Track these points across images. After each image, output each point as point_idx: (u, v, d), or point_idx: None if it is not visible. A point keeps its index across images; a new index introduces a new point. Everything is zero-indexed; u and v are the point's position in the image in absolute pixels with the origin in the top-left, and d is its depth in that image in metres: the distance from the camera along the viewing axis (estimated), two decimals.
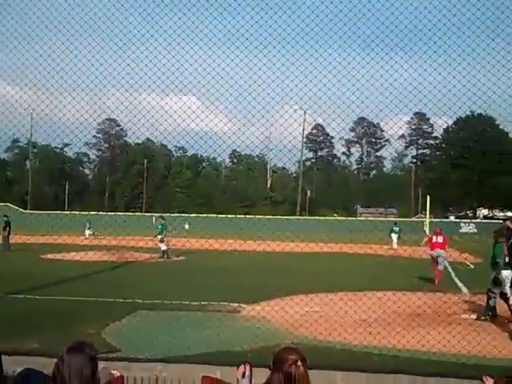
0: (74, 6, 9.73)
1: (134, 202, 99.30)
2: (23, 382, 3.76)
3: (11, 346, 6.65)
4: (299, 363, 3.84)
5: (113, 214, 60.40)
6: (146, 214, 68.31)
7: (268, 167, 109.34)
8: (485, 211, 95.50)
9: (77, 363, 3.57)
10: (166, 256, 27.19)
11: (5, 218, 31.74)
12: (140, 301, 13.91)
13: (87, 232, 42.98)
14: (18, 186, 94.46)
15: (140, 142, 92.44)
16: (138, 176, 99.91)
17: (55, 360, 3.25)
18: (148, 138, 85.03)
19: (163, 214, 34.67)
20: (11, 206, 61.12)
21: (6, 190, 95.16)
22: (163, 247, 27.33)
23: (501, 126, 76.18)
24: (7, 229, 31.29)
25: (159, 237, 27.63)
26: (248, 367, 4.53)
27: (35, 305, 13.37)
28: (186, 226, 50.20)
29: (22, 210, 62.29)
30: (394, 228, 37.67)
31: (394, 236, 36.87)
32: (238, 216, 60.28)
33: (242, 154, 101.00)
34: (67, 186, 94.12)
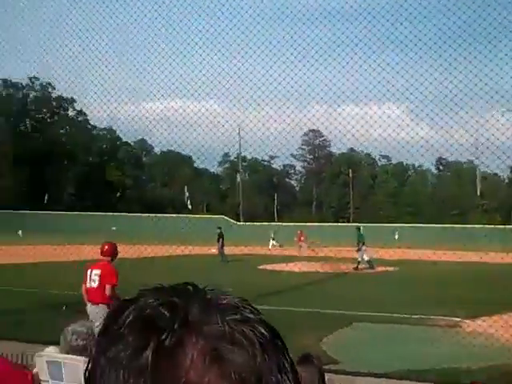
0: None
1: (342, 212, 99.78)
2: None
3: None
4: None
5: (320, 224, 61.22)
6: (353, 224, 68.25)
7: (477, 173, 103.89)
8: None
9: (307, 374, 3.52)
10: (365, 266, 27.10)
11: (218, 230, 33.24)
12: (355, 313, 13.77)
13: (272, 243, 43.24)
14: (231, 198, 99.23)
15: (344, 151, 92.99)
16: (344, 186, 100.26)
17: None
18: (351, 148, 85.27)
19: (365, 224, 34.40)
20: (225, 217, 64.28)
21: (220, 203, 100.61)
22: (364, 257, 27.24)
23: None
24: (220, 240, 32.74)
25: (364, 247, 27.57)
26: None
27: None
28: (396, 236, 49.29)
29: (235, 222, 65.22)
30: None
31: None
32: (447, 225, 58.12)
33: (449, 160, 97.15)
34: (276, 198, 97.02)
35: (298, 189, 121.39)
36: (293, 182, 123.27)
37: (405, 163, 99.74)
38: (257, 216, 77.66)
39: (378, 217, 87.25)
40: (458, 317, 13.34)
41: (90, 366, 0.69)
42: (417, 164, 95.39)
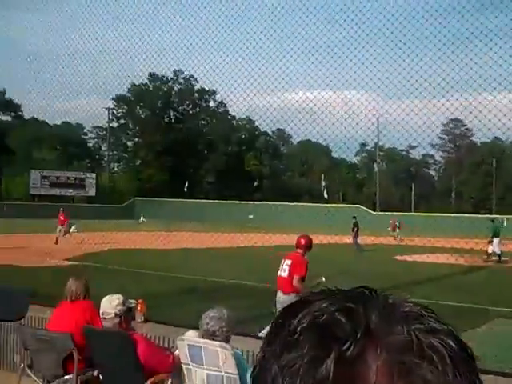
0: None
1: (482, 203, 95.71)
2: None
3: None
4: None
5: (459, 215, 59.05)
6: (496, 215, 65.27)
7: None
8: None
9: None
10: (495, 259, 26.44)
11: (353, 220, 32.95)
12: (500, 308, 13.19)
13: (397, 232, 41.52)
14: (367, 188, 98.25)
15: (487, 140, 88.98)
16: (486, 176, 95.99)
17: None
18: (496, 137, 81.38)
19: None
20: (361, 207, 63.67)
21: (356, 192, 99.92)
22: (496, 250, 26.36)
23: None
24: (355, 230, 32.40)
25: (496, 240, 26.62)
26: None
27: None
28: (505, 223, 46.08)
29: (371, 211, 64.44)
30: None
31: None
32: None
33: None
34: (413, 188, 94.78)
35: (436, 179, 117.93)
36: (431, 172, 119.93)
37: None
38: (393, 206, 76.25)
39: None
40: None
41: (258, 370, 0.67)
42: None
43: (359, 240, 31.93)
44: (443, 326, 0.64)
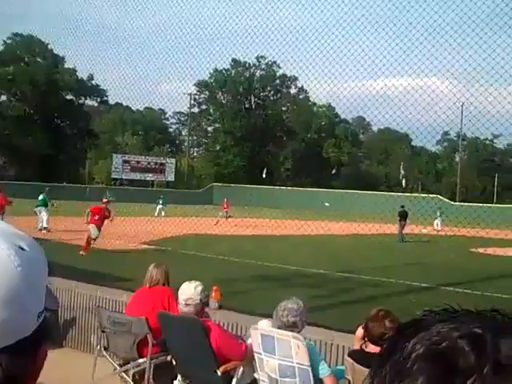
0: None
1: None
2: None
3: None
4: None
5: None
6: None
7: None
8: None
9: None
10: None
11: (401, 209, 31.00)
12: None
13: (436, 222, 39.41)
14: (447, 177, 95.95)
15: None
16: None
17: None
18: None
19: None
20: (441, 197, 62.27)
21: (435, 182, 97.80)
22: None
23: None
24: (402, 220, 30.56)
25: None
26: None
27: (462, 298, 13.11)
28: None
29: (451, 202, 62.95)
30: None
31: None
32: None
33: None
34: (496, 178, 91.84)
35: None
36: None
37: None
38: (474, 197, 74.22)
39: None
40: None
41: None
42: None
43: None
44: None
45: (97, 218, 19.17)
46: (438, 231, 36.20)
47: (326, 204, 56.21)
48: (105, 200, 20.69)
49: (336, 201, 59.98)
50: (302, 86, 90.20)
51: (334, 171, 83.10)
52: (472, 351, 0.52)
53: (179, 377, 5.81)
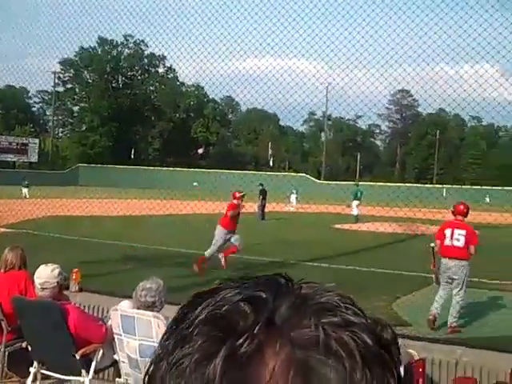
0: None
1: (425, 173, 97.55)
2: None
3: None
4: None
5: (399, 184, 59.93)
6: (437, 185, 66.70)
7: None
8: None
9: None
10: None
11: (260, 187, 31.28)
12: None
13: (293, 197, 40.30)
14: (314, 157, 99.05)
15: (433, 112, 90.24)
16: (430, 147, 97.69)
17: None
18: (441, 108, 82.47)
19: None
20: (307, 176, 64.18)
21: (302, 161, 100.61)
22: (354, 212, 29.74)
23: None
24: (261, 197, 30.74)
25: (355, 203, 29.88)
26: None
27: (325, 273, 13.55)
28: (487, 199, 47.16)
29: (316, 180, 65.02)
30: None
31: None
32: None
33: None
34: (359, 158, 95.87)
35: (382, 149, 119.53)
36: (377, 142, 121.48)
37: (496, 125, 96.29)
38: (339, 175, 77.13)
39: (462, 179, 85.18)
40: None
41: (150, 369, 0.58)
42: (509, 125, 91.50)
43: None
44: (361, 318, 0.56)
45: None
46: (295, 207, 37.41)
47: (195, 184, 56.30)
48: None
49: (204, 180, 60.17)
50: (171, 66, 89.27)
51: (201, 151, 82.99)
52: (251, 313, 0.54)
53: (35, 363, 5.61)
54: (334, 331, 0.53)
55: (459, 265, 9.12)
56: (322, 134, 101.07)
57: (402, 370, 3.72)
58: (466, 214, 9.43)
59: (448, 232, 9.29)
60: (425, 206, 29.33)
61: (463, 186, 59.11)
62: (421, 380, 5.07)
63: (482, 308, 10.42)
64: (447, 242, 9.24)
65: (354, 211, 30.18)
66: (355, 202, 30.43)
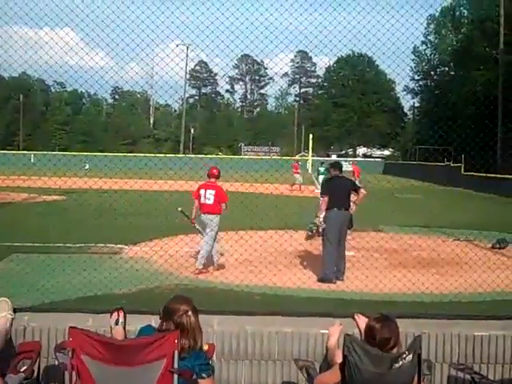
0: None
1: (10, 139, 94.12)
2: None
3: None
4: (190, 313, 3.89)
5: None
6: (24, 151, 65.46)
7: (151, 104, 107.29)
8: (363, 149, 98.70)
9: None
10: None
11: None
12: (17, 244, 13.19)
13: None
14: None
15: (16, 75, 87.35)
16: (14, 112, 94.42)
17: None
18: (24, 72, 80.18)
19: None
20: None
21: None
22: None
23: (380, 67, 78.77)
24: None
25: None
26: (122, 314, 4.41)
27: None
28: (87, 166, 45.75)
29: None
30: (320, 168, 34.39)
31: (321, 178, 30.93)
32: (120, 154, 58.45)
33: (124, 90, 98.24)
34: None
35: None
36: None
37: (80, 91, 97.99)
38: None
39: (50, 145, 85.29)
40: (119, 244, 13.70)
41: None
42: (92, 92, 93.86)
43: None
44: None
45: None
46: None
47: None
48: None
49: None
50: None
51: None
52: None
53: None
54: None
55: (210, 218, 11.41)
56: None
57: None
58: (217, 177, 11.71)
59: (202, 192, 11.49)
60: (14, 173, 28.51)
61: (52, 152, 59.20)
62: None
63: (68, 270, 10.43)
64: (202, 200, 11.45)
65: None
66: None
